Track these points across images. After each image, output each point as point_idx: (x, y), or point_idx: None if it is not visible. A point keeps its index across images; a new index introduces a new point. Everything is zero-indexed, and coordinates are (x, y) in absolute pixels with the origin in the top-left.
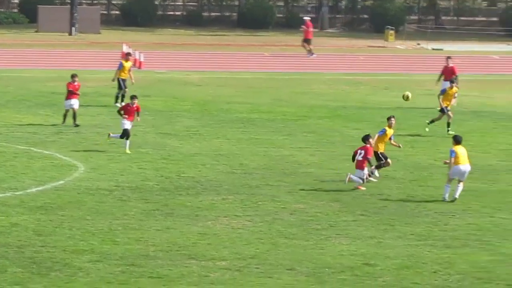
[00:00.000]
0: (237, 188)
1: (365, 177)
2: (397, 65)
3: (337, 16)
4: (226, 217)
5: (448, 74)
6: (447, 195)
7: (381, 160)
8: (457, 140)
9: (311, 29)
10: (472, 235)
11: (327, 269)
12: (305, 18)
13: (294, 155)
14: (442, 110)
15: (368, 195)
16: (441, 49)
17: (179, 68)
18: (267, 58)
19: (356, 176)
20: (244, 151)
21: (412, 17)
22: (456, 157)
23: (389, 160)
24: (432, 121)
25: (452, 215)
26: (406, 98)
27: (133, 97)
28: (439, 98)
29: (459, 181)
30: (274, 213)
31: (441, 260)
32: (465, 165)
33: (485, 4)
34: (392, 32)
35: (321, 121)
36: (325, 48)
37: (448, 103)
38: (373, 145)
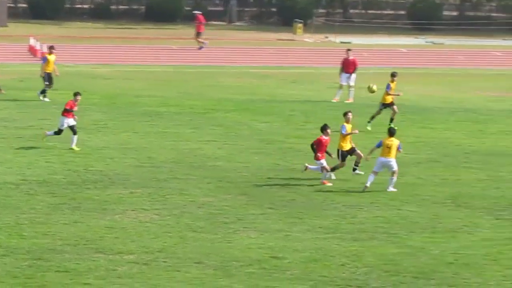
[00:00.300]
0: (145, 181)
1: (322, 165)
2: (305, 58)
3: (246, 9)
4: (133, 210)
5: (349, 66)
6: (368, 183)
7: (343, 160)
8: (390, 132)
9: (202, 23)
10: (380, 228)
11: (235, 263)
12: (195, 12)
13: (202, 148)
14: (384, 106)
15: (276, 188)
16: (349, 42)
17: (88, 62)
18: (175, 51)
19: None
20: (152, 144)
21: (320, 10)
22: (382, 148)
23: (357, 151)
24: (372, 118)
25: (360, 208)
26: (371, 90)
27: (76, 94)
28: (388, 93)
29: (392, 174)
30: (182, 206)
31: (348, 253)
32: (386, 158)
33: None
34: (300, 25)
35: (229, 114)
36: (233, 41)
37: (391, 99)
38: (328, 136)
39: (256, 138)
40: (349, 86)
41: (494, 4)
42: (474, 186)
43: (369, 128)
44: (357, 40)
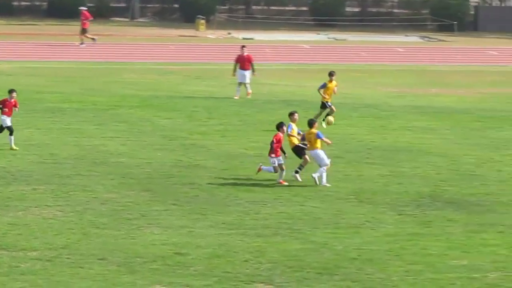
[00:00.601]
0: (48, 178)
1: (274, 164)
2: (208, 55)
3: (148, 5)
4: (36, 207)
5: (244, 62)
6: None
7: (300, 156)
8: (308, 124)
9: (88, 19)
10: (283, 224)
11: (138, 259)
12: (81, 8)
13: (105, 145)
14: (323, 105)
15: (180, 185)
16: (252, 39)
17: None
18: (78, 48)
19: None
20: (55, 141)
21: (222, 7)
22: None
23: (305, 156)
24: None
25: (264, 204)
26: (328, 122)
27: (11, 91)
28: (319, 92)
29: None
30: (85, 203)
31: (252, 248)
32: (309, 151)
33: None
34: (202, 21)
35: (132, 111)
36: (136, 38)
37: (328, 97)
38: (284, 133)
39: (159, 134)
40: (245, 84)
41: (395, 0)
42: (376, 182)
43: (324, 126)
44: (260, 36)
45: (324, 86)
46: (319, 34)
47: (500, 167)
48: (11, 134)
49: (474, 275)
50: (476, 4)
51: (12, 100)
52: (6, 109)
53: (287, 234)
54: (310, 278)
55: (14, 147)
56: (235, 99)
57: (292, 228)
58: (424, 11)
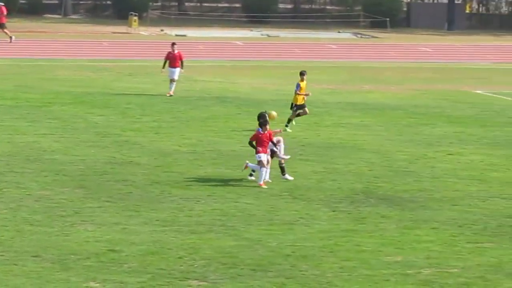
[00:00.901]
0: None
1: (259, 159)
2: (141, 52)
3: (81, 2)
4: None
5: (174, 60)
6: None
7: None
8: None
9: (3, 14)
10: (217, 221)
11: (72, 256)
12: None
13: (38, 142)
14: (292, 107)
15: (113, 181)
16: (185, 35)
17: None
18: (11, 45)
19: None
20: None
21: (155, 4)
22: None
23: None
24: (289, 121)
25: (197, 201)
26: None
27: None
28: (295, 93)
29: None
30: (19, 200)
31: (186, 245)
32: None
33: None
34: (135, 18)
35: (66, 108)
36: (69, 35)
37: (302, 99)
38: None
39: (93, 131)
40: (174, 80)
41: None
42: (310, 178)
43: (289, 130)
44: (193, 33)
45: (298, 86)
46: (252, 30)
47: (433, 164)
48: None
49: (408, 271)
50: (409, 0)
51: None
52: None
53: (221, 231)
54: (244, 274)
55: None
56: (168, 96)
57: (226, 225)
58: (357, 8)
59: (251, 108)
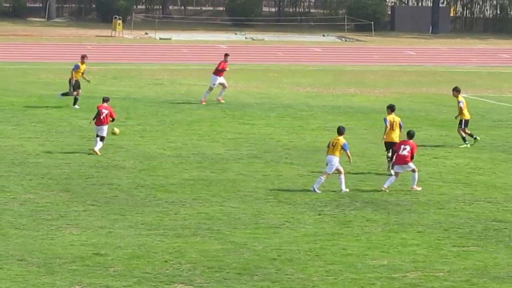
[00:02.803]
0: None
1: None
2: (126, 55)
3: (65, 5)
4: None
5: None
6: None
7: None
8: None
9: None
10: (203, 224)
11: (57, 260)
12: None
13: (23, 145)
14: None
15: (98, 185)
16: (170, 39)
17: None
18: None
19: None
20: None
21: (139, 7)
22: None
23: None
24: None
25: (183, 205)
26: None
27: None
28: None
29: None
30: (4, 203)
31: (172, 249)
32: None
33: None
34: (119, 21)
35: (50, 111)
36: (53, 38)
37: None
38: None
39: (77, 135)
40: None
41: (313, 0)
42: (295, 182)
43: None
44: (177, 36)
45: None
46: (236, 34)
47: (418, 167)
48: None
49: (393, 275)
50: (393, 4)
51: None
52: None
53: (206, 234)
54: (230, 278)
55: None
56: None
57: (211, 228)
58: (341, 11)
59: (236, 111)
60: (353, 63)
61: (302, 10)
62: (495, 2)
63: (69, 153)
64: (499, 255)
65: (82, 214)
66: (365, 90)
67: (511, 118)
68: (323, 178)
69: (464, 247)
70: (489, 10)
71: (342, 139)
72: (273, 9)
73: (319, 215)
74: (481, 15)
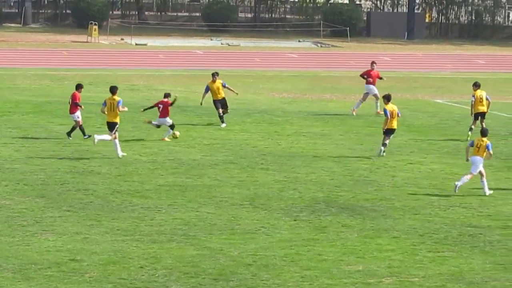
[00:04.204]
0: None
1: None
2: (102, 60)
3: (40, 11)
4: None
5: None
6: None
7: None
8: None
9: None
10: (178, 230)
11: (33, 266)
12: None
13: None
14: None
15: (74, 191)
16: (145, 44)
17: None
18: None
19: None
20: None
21: (115, 12)
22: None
23: None
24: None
25: (158, 210)
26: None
27: None
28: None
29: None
30: None
31: (147, 255)
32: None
33: (188, 0)
34: (95, 27)
35: (26, 117)
36: (29, 43)
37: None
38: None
39: (53, 141)
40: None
41: (288, 6)
42: (271, 188)
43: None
44: (153, 42)
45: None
46: (212, 39)
47: (394, 173)
48: None
49: (369, 280)
50: (369, 10)
51: None
52: None
53: (182, 240)
54: (205, 284)
55: None
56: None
57: (187, 234)
58: (317, 17)
59: (212, 117)
60: (329, 68)
61: (278, 16)
62: (470, 8)
63: (45, 158)
64: (474, 260)
65: (58, 220)
66: (341, 96)
67: (487, 124)
68: (468, 177)
69: (439, 252)
70: (464, 16)
71: (486, 140)
72: (249, 15)
73: (295, 220)
74: (457, 21)
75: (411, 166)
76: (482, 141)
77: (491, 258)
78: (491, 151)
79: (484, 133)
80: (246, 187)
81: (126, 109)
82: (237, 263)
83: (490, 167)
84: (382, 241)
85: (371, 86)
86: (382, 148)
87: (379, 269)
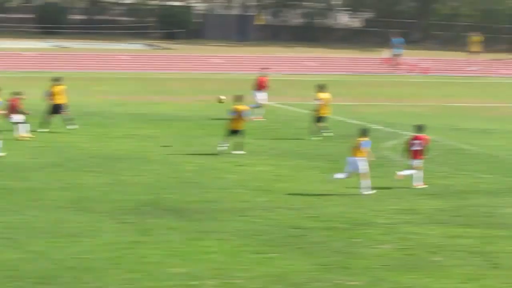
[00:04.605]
0: None
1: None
2: None
3: None
4: None
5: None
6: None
7: None
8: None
9: None
10: (1, 233)
11: None
12: None
13: None
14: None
15: None
16: None
17: None
18: None
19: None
20: None
21: None
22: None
23: None
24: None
25: None
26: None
27: None
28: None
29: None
30: None
31: None
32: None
33: (21, 1)
34: None
35: None
36: None
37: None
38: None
39: None
40: None
41: (122, 8)
42: (97, 190)
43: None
44: None
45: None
46: (44, 41)
47: (221, 175)
48: None
49: (192, 282)
50: (202, 12)
51: None
52: None
53: (3, 243)
54: (27, 287)
55: None
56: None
57: (9, 237)
58: (150, 19)
59: (38, 119)
60: (160, 70)
61: (111, 18)
62: (301, 11)
63: None
64: (298, 261)
65: None
66: (170, 98)
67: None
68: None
69: (264, 254)
70: (296, 18)
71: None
72: (83, 17)
73: (120, 223)
74: (289, 24)
75: (239, 168)
76: (358, 140)
77: (315, 259)
78: (366, 149)
79: (363, 133)
80: (72, 189)
81: None
82: (60, 266)
83: (317, 168)
84: (207, 243)
85: (259, 93)
86: (226, 145)
87: (203, 271)
